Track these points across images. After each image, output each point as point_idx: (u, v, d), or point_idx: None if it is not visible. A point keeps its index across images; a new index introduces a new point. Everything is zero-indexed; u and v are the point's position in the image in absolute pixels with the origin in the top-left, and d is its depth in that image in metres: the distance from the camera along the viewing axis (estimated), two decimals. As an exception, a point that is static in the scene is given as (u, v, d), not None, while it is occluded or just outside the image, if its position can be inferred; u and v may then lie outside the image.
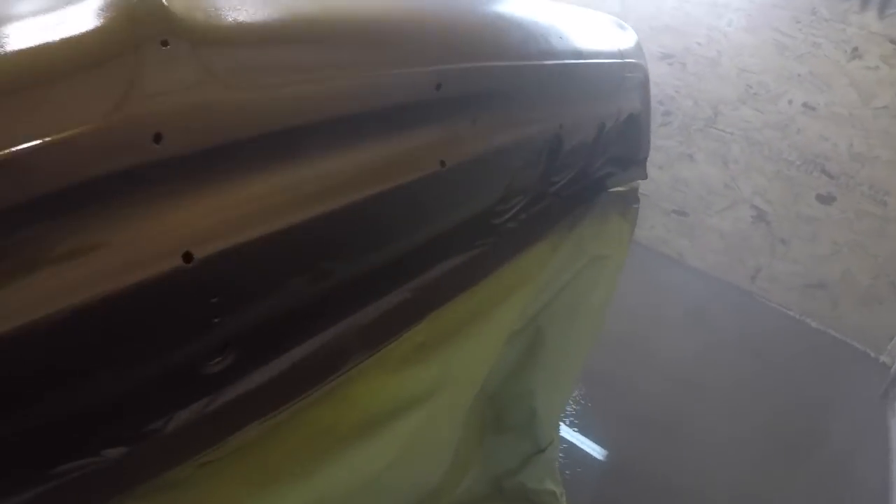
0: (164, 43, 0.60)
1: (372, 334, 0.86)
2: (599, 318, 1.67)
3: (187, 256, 0.62)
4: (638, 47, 1.68)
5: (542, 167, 1.18)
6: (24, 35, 0.60)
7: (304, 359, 0.77)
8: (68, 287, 0.56)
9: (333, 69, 0.74)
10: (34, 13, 0.64)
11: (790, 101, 3.84)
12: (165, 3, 0.62)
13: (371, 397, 0.89)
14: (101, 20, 0.59)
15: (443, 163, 0.85)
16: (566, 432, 2.60)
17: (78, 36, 0.58)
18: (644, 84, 1.70)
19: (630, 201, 1.73)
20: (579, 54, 1.31)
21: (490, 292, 1.10)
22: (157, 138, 0.59)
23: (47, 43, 0.58)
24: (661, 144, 4.28)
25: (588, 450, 2.60)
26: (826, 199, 3.85)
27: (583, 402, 2.74)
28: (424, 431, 1.01)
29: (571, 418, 2.68)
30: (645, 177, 1.79)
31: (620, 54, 1.57)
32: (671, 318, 3.61)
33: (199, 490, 0.74)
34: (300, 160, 0.70)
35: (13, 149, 0.52)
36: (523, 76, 1.04)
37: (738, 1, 3.93)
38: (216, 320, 0.66)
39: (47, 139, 0.53)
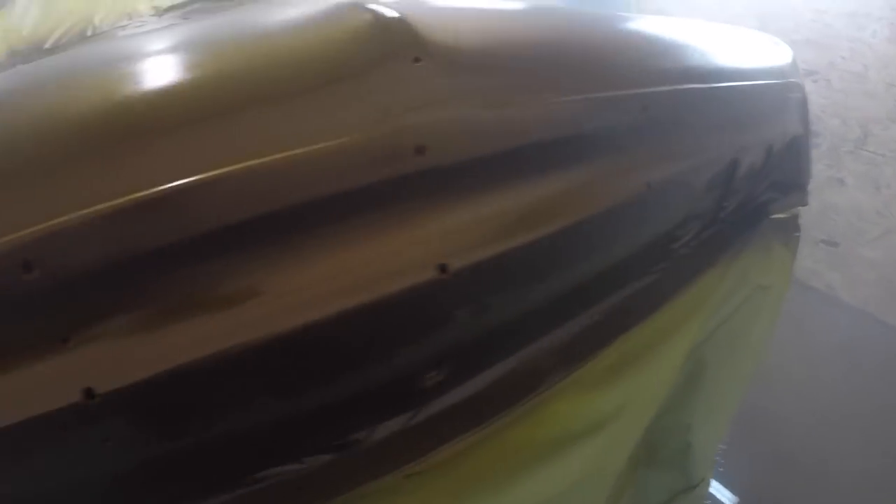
0: (417, 59, 0.68)
1: (567, 354, 0.92)
2: (760, 350, 1.67)
3: (443, 268, 0.68)
4: (794, 65, 1.69)
5: (718, 191, 1.21)
6: (279, 48, 0.68)
7: (507, 375, 0.83)
8: (324, 296, 0.64)
9: (565, 90, 0.80)
10: (280, 28, 0.74)
11: (946, 119, 3.68)
12: (411, 23, 0.70)
13: (562, 418, 0.94)
14: (354, 36, 0.68)
15: (649, 185, 0.91)
16: (707, 472, 2.56)
17: (333, 49, 0.67)
18: (803, 104, 1.71)
19: (791, 229, 1.72)
20: (750, 75, 1.34)
21: (668, 319, 1.13)
22: (421, 150, 0.66)
23: (303, 54, 0.66)
24: (809, 167, 4.17)
25: (731, 490, 2.56)
26: None
27: (727, 439, 2.70)
28: (603, 455, 1.05)
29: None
30: (805, 203, 1.78)
31: (782, 73, 1.59)
32: (820, 355, 3.49)
33: (405, 500, 0.80)
34: (532, 180, 0.77)
35: (284, 154, 0.60)
36: (710, 98, 1.09)
37: (879, 9, 3.80)
38: (451, 334, 0.72)
39: (315, 147, 0.61)
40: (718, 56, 1.22)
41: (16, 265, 0.58)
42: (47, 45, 1.96)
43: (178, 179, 0.58)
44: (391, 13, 0.70)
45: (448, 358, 0.76)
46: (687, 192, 1.08)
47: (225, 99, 0.63)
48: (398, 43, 0.69)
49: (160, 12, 1.90)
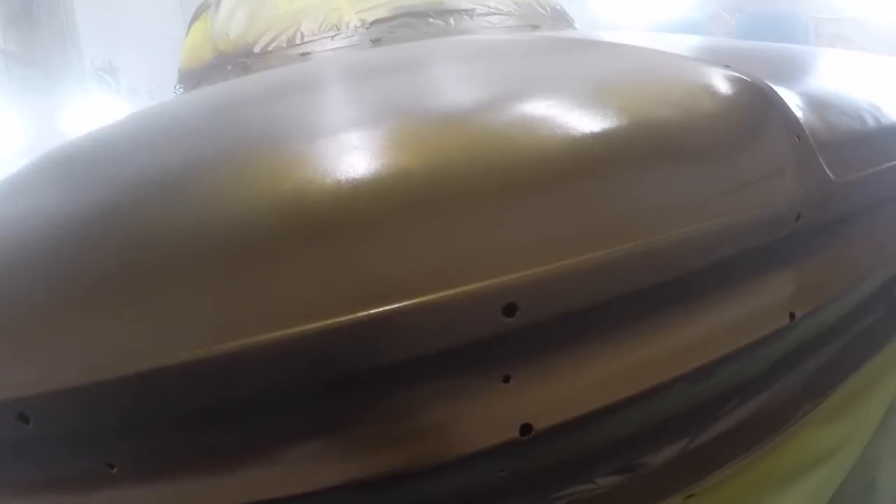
0: (799, 137, 0.83)
1: (815, 388, 1.05)
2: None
3: (792, 315, 0.87)
4: None
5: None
6: (652, 109, 0.83)
7: (770, 405, 0.97)
8: (707, 344, 0.81)
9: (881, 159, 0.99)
10: (633, 83, 0.90)
11: None
12: (786, 101, 0.86)
13: (800, 449, 1.08)
14: (739, 107, 0.83)
15: None
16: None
17: (718, 119, 0.82)
18: None
19: None
20: None
21: (887, 357, 1.25)
22: (798, 217, 0.84)
23: (687, 121, 0.81)
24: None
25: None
26: None
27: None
28: (824, 486, 1.19)
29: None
30: None
31: None
32: None
33: None
34: (857, 237, 0.96)
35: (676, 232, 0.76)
36: None
37: None
38: (761, 370, 0.88)
39: (700, 227, 0.77)
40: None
41: (497, 308, 0.68)
42: (256, 50, 2.14)
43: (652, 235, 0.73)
44: (768, 87, 0.85)
45: (744, 389, 0.91)
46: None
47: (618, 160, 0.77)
48: (786, 121, 0.86)
49: (366, 24, 2.07)
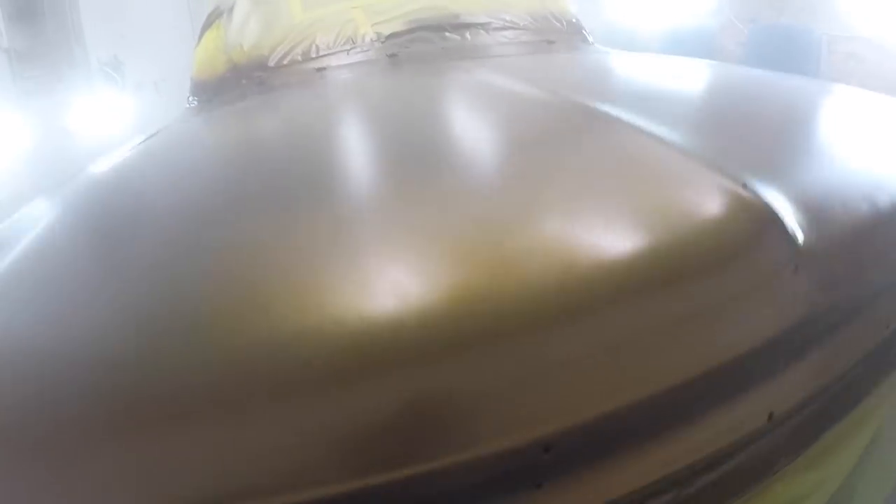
0: (797, 267, 0.95)
1: (796, 443, 1.15)
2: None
3: (770, 416, 1.01)
4: None
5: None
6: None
7: (752, 462, 1.04)
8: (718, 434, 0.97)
9: None
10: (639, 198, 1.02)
11: None
12: (799, 239, 0.96)
13: (780, 493, 1.14)
14: (737, 234, 0.94)
15: None
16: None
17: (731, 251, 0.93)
18: None
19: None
20: None
21: (863, 409, 1.30)
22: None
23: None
24: None
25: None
26: None
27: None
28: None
29: None
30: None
31: None
32: None
33: None
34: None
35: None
36: None
37: None
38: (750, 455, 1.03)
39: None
40: None
41: (538, 450, 0.83)
42: (271, 63, 2.15)
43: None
44: (778, 217, 0.95)
45: (729, 453, 1.01)
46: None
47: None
48: (788, 254, 0.95)
49: (382, 38, 2.09)
